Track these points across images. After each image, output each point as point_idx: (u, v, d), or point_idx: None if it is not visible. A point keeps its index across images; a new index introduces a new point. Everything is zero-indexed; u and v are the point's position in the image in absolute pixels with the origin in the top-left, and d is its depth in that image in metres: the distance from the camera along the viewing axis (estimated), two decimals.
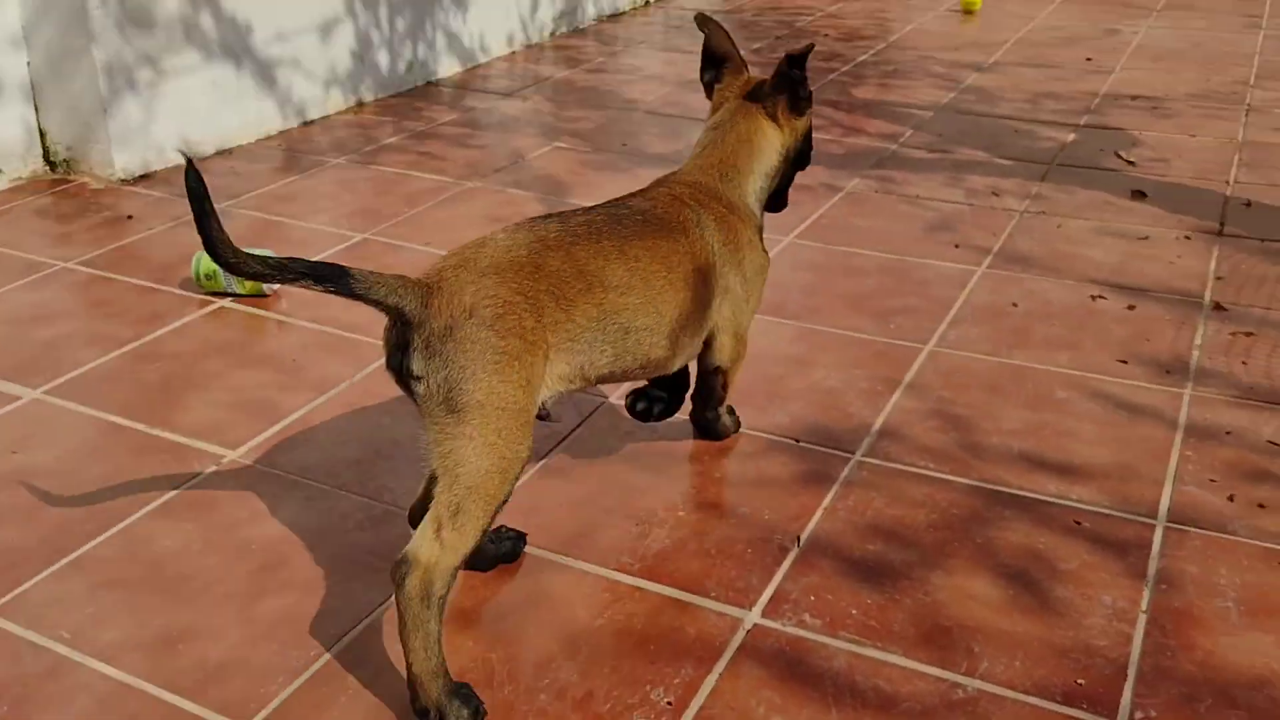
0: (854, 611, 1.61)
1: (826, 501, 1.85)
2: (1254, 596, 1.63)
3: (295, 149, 3.58)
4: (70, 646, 1.55)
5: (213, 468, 1.95)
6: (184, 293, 2.59)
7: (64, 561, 1.72)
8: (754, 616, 1.61)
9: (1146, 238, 2.85)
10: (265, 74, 3.63)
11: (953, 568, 1.70)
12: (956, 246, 2.82)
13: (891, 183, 3.26)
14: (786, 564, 1.71)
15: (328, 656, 1.53)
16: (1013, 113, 3.90)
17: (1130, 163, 3.38)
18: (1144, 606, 1.61)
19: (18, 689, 1.48)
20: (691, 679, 1.49)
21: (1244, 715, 1.43)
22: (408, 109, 4.01)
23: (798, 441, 2.01)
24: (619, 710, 1.44)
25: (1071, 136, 3.64)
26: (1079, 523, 1.79)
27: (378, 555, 1.72)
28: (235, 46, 3.49)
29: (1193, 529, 1.77)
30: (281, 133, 3.73)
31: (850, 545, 1.75)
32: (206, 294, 2.57)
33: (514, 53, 4.82)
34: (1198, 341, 2.33)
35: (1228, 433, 2.01)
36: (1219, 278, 2.62)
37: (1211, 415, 2.07)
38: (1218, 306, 2.47)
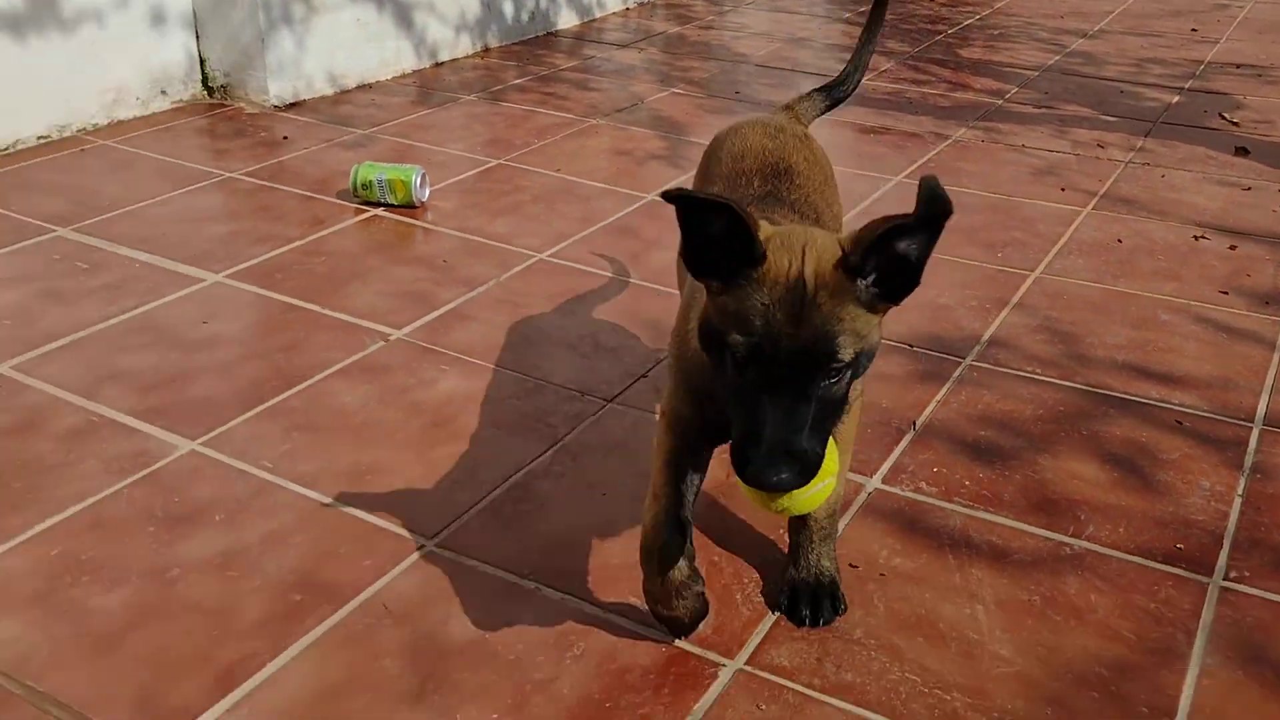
0: (967, 483, 1.77)
1: (940, 395, 2.01)
2: None
3: (429, 86, 3.81)
4: (272, 474, 1.77)
5: (381, 343, 2.16)
6: (340, 201, 2.82)
7: (259, 409, 1.94)
8: (874, 483, 1.77)
9: (1250, 188, 2.94)
10: (403, 16, 3.86)
11: (1059, 452, 1.85)
12: (1062, 190, 2.93)
13: (997, 133, 3.38)
14: (904, 444, 1.87)
15: (496, 493, 1.73)
16: (1117, 75, 3.98)
17: (1234, 124, 3.45)
18: (1240, 491, 1.75)
19: (231, 504, 1.71)
20: None
21: None
22: (530, 55, 4.22)
23: (912, 347, 2.17)
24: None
25: (1176, 99, 3.71)
26: (1180, 422, 1.93)
27: (533, 419, 1.92)
28: None
29: None
30: (416, 71, 3.96)
31: (963, 431, 1.91)
32: (361, 204, 2.80)
33: (627, 9, 5.00)
34: None
35: None
36: None
37: None
38: None
